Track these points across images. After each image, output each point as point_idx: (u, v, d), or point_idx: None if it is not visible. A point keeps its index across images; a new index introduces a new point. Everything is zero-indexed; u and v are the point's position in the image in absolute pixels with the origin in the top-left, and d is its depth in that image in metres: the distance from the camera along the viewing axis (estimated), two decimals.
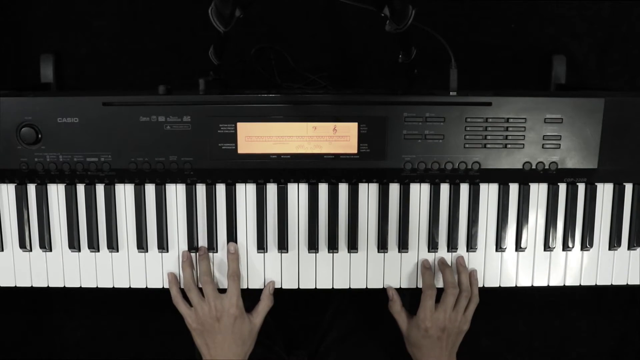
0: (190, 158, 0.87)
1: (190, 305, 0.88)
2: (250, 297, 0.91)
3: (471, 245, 0.91)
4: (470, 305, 0.89)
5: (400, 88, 1.10)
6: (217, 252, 0.91)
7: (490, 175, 0.89)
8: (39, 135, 0.86)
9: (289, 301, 0.99)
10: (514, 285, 0.93)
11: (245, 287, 0.92)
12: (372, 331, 1.08)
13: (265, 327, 1.06)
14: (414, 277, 0.93)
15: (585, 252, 0.93)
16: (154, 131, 0.86)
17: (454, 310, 0.87)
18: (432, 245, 0.91)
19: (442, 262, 0.91)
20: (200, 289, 0.88)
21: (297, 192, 0.91)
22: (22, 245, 0.91)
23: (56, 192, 0.90)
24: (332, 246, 0.91)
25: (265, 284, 0.92)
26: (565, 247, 0.92)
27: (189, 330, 0.89)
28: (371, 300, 1.04)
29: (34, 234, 0.91)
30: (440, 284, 0.91)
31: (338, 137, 0.87)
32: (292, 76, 1.08)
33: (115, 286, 0.92)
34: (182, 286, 0.91)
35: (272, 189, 0.90)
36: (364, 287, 0.92)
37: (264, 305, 0.90)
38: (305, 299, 1.24)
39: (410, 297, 0.95)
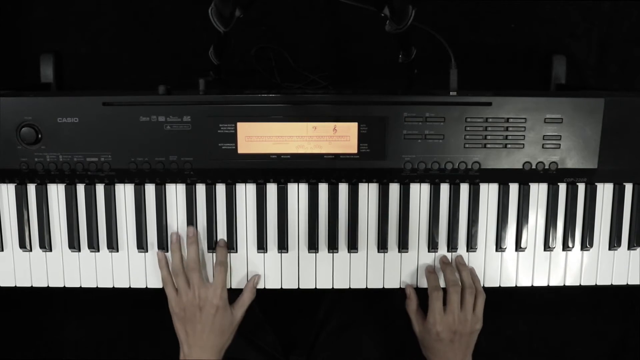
0: (190, 158, 0.87)
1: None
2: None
3: (471, 245, 0.91)
4: (478, 302, 0.88)
5: (400, 88, 1.10)
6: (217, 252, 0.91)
7: (490, 175, 0.89)
8: (39, 135, 0.86)
9: (287, 302, 1.00)
10: (514, 285, 0.93)
11: (244, 286, 0.92)
12: (365, 326, 1.07)
13: (262, 331, 1.06)
14: (414, 277, 0.93)
15: (585, 252, 0.93)
16: (154, 131, 0.86)
17: (462, 310, 0.86)
18: (432, 245, 0.91)
19: (442, 261, 0.91)
20: None
21: (297, 192, 0.91)
22: (22, 245, 0.91)
23: (56, 192, 0.90)
24: (332, 246, 0.91)
25: (265, 284, 0.92)
26: (565, 247, 0.92)
27: (170, 314, 0.88)
28: (363, 295, 1.04)
29: (34, 234, 0.91)
30: (442, 285, 0.91)
31: (338, 137, 0.87)
32: (292, 76, 1.08)
33: (115, 286, 0.92)
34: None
35: (272, 189, 0.90)
36: (364, 287, 0.92)
37: (247, 297, 0.90)
38: (303, 299, 1.23)
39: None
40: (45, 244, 0.90)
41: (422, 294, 0.91)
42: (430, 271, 0.91)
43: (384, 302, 0.92)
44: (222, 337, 0.87)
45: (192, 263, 0.87)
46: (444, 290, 0.89)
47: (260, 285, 0.92)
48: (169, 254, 0.90)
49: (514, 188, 0.91)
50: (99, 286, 0.92)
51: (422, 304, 0.91)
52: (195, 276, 0.86)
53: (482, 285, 0.92)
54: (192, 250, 0.88)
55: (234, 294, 0.90)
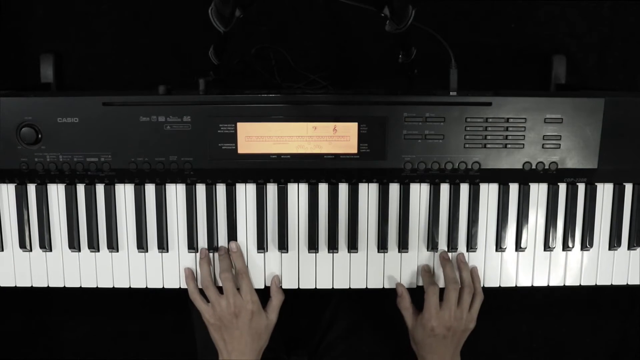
0: (190, 158, 0.87)
1: (207, 301, 0.89)
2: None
3: (471, 245, 0.91)
4: (475, 302, 0.89)
5: (400, 88, 1.10)
6: (217, 252, 0.91)
7: (490, 175, 0.89)
8: (39, 135, 0.86)
9: (288, 301, 1.00)
10: (514, 285, 0.93)
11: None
12: (372, 329, 1.08)
13: None
14: (414, 277, 0.93)
15: (585, 252, 0.93)
16: (154, 131, 0.86)
17: (458, 307, 0.87)
18: (432, 245, 0.91)
19: (443, 257, 0.91)
20: (218, 287, 0.89)
21: (297, 192, 0.91)
22: (22, 245, 0.91)
23: (56, 192, 0.90)
24: (332, 246, 0.91)
25: (265, 284, 0.92)
26: (565, 247, 0.92)
27: (206, 325, 0.89)
28: (370, 298, 1.04)
29: (34, 234, 0.91)
30: (441, 284, 0.91)
31: (338, 137, 0.87)
32: (292, 76, 1.08)
33: (115, 286, 0.92)
34: (199, 285, 0.91)
35: (272, 189, 0.90)
36: (364, 287, 0.93)
37: (277, 300, 0.91)
38: (304, 299, 1.24)
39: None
40: (45, 244, 0.90)
41: (416, 293, 0.91)
42: (426, 270, 0.91)
43: (390, 308, 0.93)
44: (259, 340, 0.88)
45: (226, 272, 0.88)
46: (441, 288, 0.89)
47: (260, 285, 0.92)
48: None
49: (514, 188, 0.91)
50: (99, 286, 0.92)
51: (415, 302, 0.91)
52: (229, 285, 0.87)
53: (482, 286, 0.92)
54: (225, 262, 0.89)
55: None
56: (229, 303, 0.86)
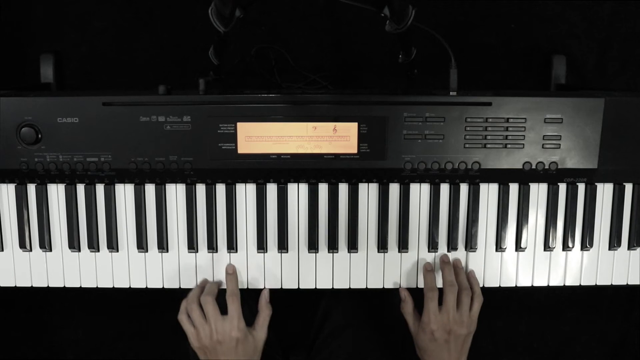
0: (190, 158, 0.87)
1: None
2: (250, 296, 0.91)
3: (471, 245, 0.91)
4: (474, 304, 0.88)
5: (400, 88, 1.10)
6: (216, 252, 0.91)
7: (490, 175, 0.89)
8: (39, 135, 0.86)
9: (284, 301, 1.00)
10: (514, 285, 0.93)
11: (245, 287, 0.92)
12: (364, 324, 1.07)
13: None
14: (414, 277, 0.93)
15: (585, 252, 0.93)
16: (154, 131, 0.86)
17: (458, 311, 0.86)
18: (432, 245, 0.91)
19: (442, 260, 0.91)
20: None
21: (297, 192, 0.91)
22: (22, 245, 0.91)
23: (56, 192, 0.90)
24: (332, 246, 0.91)
25: (265, 284, 0.92)
26: (565, 247, 0.92)
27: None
28: (363, 295, 1.05)
29: (34, 234, 0.91)
30: (441, 284, 0.91)
31: (338, 137, 0.87)
32: (292, 76, 1.09)
33: (115, 286, 0.92)
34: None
35: (272, 189, 0.90)
36: (364, 287, 0.93)
37: (265, 315, 0.89)
38: (300, 298, 1.24)
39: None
40: (45, 244, 0.90)
41: (419, 295, 0.91)
42: (429, 269, 0.91)
43: (382, 303, 0.93)
44: None
45: (207, 296, 0.86)
46: (440, 290, 0.88)
47: (260, 285, 0.92)
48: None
49: (514, 188, 0.91)
50: (99, 286, 0.92)
51: (418, 305, 0.91)
52: (209, 308, 0.84)
53: (481, 286, 0.92)
54: (210, 286, 0.88)
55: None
56: (212, 329, 0.84)
